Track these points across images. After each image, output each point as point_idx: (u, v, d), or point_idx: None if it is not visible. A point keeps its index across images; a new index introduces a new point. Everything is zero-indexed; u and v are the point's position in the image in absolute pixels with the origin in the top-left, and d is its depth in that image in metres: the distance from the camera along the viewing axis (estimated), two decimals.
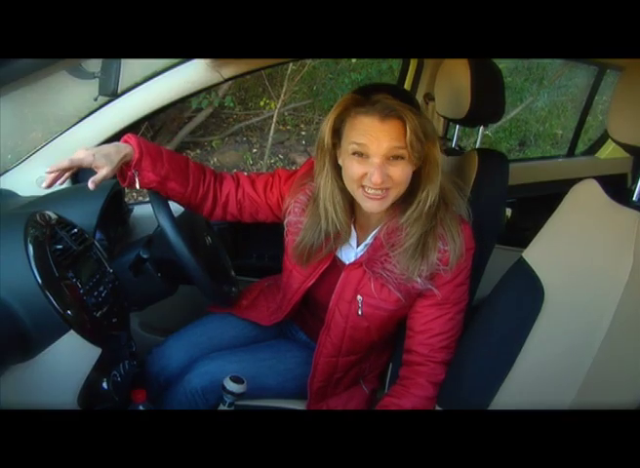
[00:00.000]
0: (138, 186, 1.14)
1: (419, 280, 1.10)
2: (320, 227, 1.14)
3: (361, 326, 1.17)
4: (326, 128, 1.08)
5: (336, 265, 1.19)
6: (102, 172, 1.07)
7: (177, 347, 1.36)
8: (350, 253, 1.19)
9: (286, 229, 1.23)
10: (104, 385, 0.99)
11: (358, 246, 1.18)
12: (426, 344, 1.16)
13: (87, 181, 1.33)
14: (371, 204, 1.06)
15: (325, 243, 1.15)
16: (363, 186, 1.05)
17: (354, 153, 1.04)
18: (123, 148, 1.11)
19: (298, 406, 1.29)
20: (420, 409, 1.13)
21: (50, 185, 1.06)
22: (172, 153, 1.21)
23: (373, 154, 1.02)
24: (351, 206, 1.16)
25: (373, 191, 1.05)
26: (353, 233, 1.18)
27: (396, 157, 1.03)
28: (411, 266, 1.09)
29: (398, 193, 1.07)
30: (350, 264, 1.16)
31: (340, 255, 1.20)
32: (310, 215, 1.17)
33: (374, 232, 1.16)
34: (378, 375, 1.32)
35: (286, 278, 1.28)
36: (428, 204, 1.08)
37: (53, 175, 1.05)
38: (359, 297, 1.15)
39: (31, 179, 1.47)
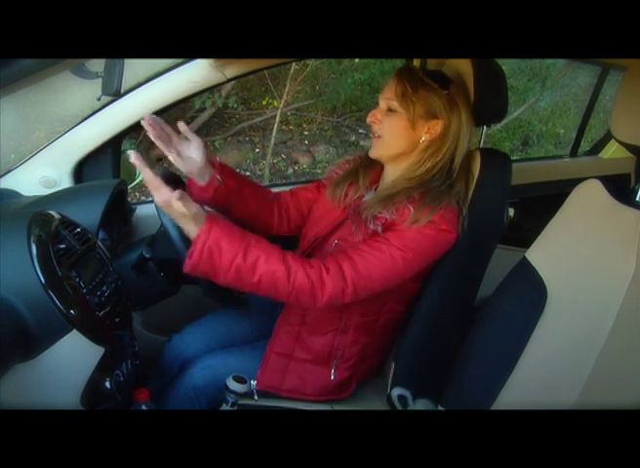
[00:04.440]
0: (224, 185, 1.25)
1: (371, 221, 1.16)
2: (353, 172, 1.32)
3: None
4: None
5: (348, 227, 1.25)
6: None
7: (194, 334, 1.42)
8: None
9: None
10: (107, 385, 0.99)
11: None
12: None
13: (90, 181, 1.34)
14: (371, 148, 1.25)
15: (348, 189, 1.29)
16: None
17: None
18: None
19: (301, 406, 1.29)
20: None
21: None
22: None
23: (379, 103, 1.23)
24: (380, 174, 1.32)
25: (372, 134, 1.24)
26: (371, 193, 1.29)
27: (391, 109, 1.21)
28: (371, 207, 1.18)
29: (390, 144, 1.22)
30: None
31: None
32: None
33: None
34: (351, 366, 1.28)
35: (303, 236, 1.36)
36: (418, 172, 1.21)
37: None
38: (336, 241, 1.22)
39: (34, 179, 1.47)
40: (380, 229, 1.14)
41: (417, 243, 1.12)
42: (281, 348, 1.27)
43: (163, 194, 0.98)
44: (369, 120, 1.23)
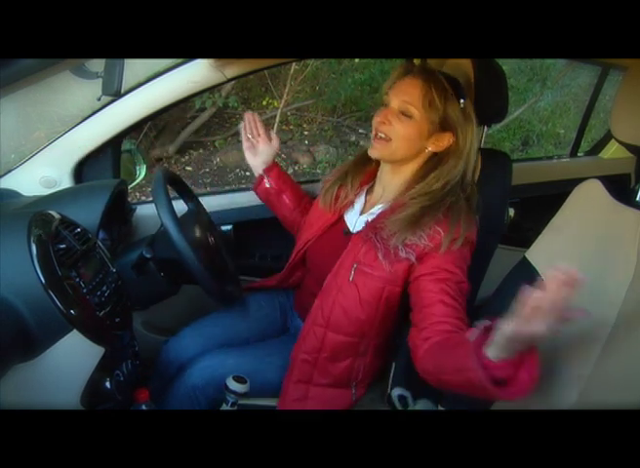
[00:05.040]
0: (267, 185, 1.44)
1: (402, 249, 1.10)
2: (342, 175, 1.31)
3: (351, 293, 1.16)
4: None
5: (340, 229, 1.26)
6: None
7: (192, 337, 1.41)
8: (353, 219, 1.26)
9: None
10: (107, 385, 0.99)
11: (362, 214, 1.24)
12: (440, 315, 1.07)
13: (90, 181, 1.34)
14: (372, 148, 1.18)
15: (338, 192, 1.28)
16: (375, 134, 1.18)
17: (383, 104, 1.19)
18: None
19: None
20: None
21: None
22: (297, 184, 1.51)
23: (390, 102, 1.16)
24: (372, 174, 1.29)
25: (378, 135, 1.16)
26: (361, 199, 1.27)
27: (406, 114, 1.14)
28: (399, 233, 1.11)
29: (397, 149, 1.16)
30: (358, 232, 1.19)
31: (345, 218, 1.28)
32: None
33: (381, 205, 1.21)
34: (369, 384, 1.29)
35: (297, 239, 1.38)
36: (435, 187, 1.15)
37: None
38: (355, 265, 1.16)
39: (34, 179, 1.47)
40: (413, 258, 1.10)
41: (463, 261, 1.11)
42: (299, 376, 1.24)
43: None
44: (379, 120, 1.16)
